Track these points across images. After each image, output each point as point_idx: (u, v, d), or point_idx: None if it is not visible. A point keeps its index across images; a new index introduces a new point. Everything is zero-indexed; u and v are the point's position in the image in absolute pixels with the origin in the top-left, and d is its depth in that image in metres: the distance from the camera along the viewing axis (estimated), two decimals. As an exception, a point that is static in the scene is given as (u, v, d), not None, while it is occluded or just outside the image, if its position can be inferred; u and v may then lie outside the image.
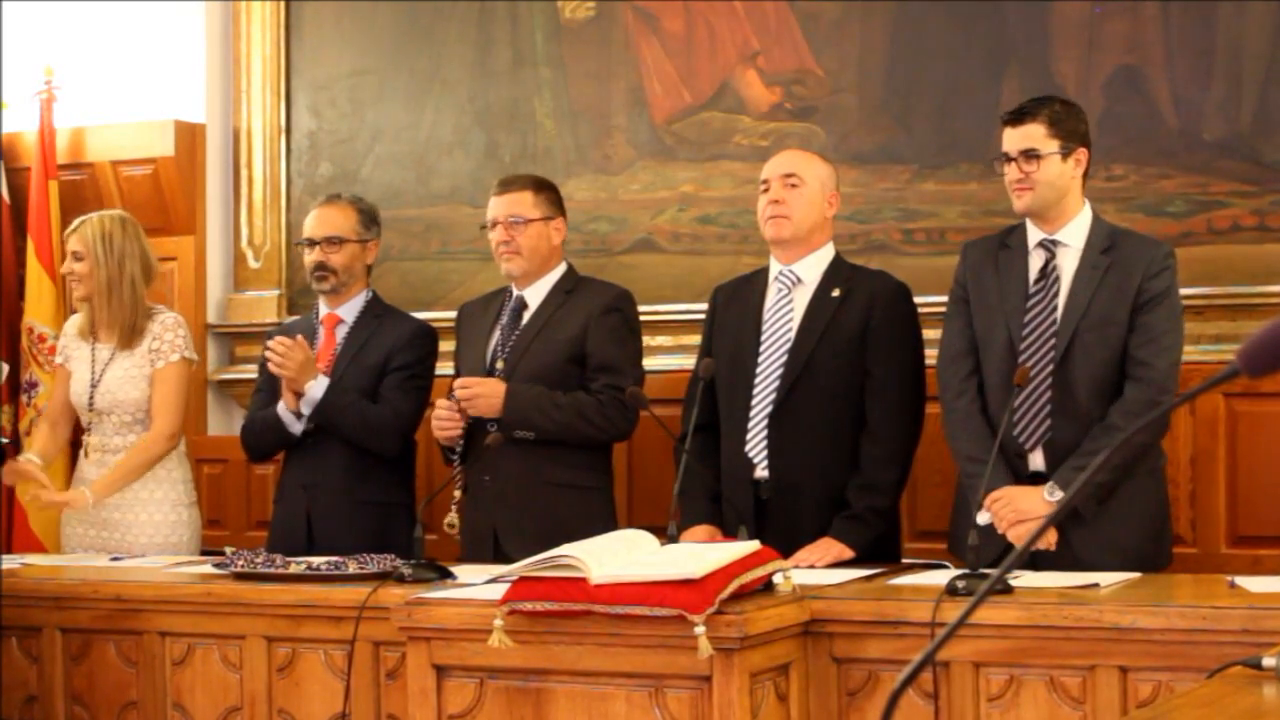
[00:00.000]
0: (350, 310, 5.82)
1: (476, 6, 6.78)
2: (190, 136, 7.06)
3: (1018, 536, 4.74)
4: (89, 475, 5.86)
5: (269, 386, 5.81)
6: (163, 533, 5.85)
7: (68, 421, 6.03)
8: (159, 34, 7.10)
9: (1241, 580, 4.41)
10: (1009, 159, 4.90)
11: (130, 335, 5.85)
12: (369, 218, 5.86)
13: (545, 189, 5.56)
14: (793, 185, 5.18)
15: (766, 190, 5.22)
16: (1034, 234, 4.94)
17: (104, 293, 5.84)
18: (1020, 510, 4.75)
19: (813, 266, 5.23)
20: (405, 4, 6.91)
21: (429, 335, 5.83)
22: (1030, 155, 4.87)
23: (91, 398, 5.86)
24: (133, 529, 5.83)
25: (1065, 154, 4.87)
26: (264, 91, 7.09)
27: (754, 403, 5.18)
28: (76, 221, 5.93)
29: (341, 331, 5.80)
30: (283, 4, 7.07)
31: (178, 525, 5.88)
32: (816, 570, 4.84)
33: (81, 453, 5.93)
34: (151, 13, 7.10)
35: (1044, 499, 4.75)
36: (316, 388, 5.61)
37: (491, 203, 5.53)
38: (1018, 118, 4.92)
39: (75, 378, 5.92)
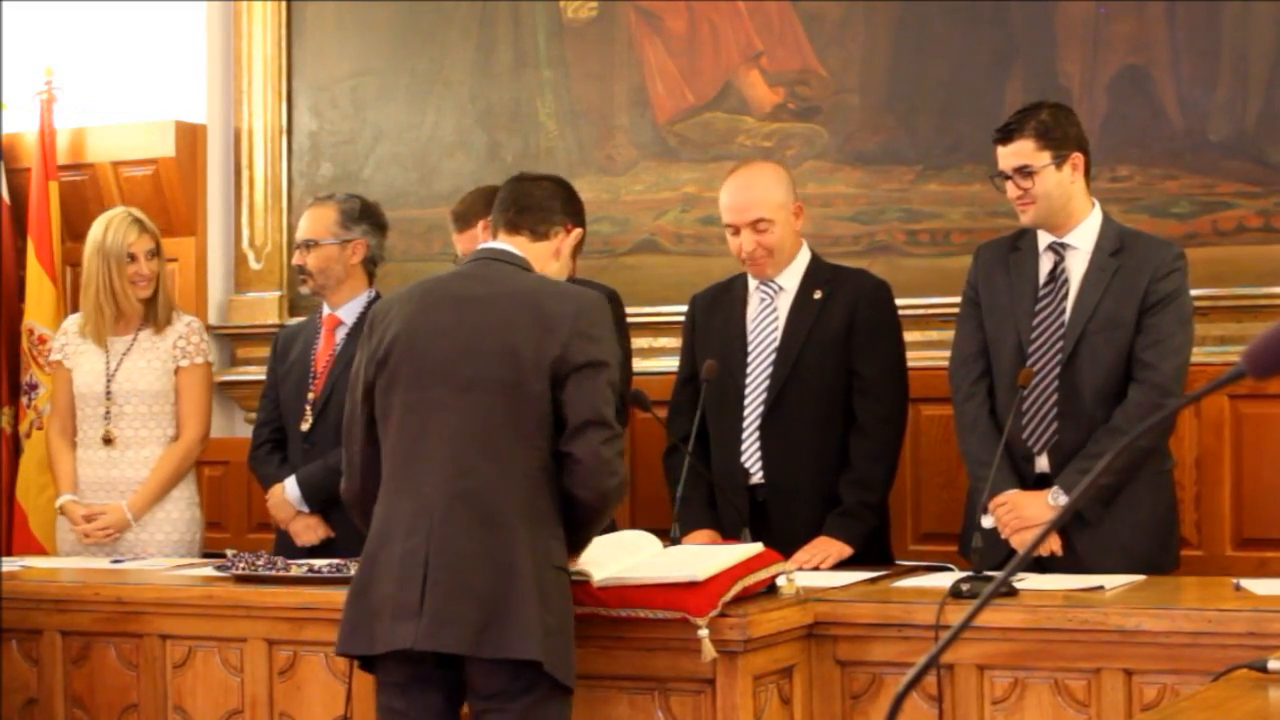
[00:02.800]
0: (350, 311, 5.79)
1: (478, 7, 6.76)
2: (191, 137, 7.04)
3: (1021, 542, 4.72)
4: (113, 472, 5.85)
5: (271, 406, 5.88)
6: (179, 530, 5.86)
7: (74, 421, 6.00)
8: (160, 34, 7.09)
9: (1247, 583, 4.40)
10: (1006, 177, 4.87)
11: (164, 324, 5.87)
12: (351, 217, 5.77)
13: None
14: (763, 231, 5.13)
15: (735, 233, 5.16)
16: (1044, 237, 4.92)
17: (156, 286, 5.88)
18: (1024, 516, 4.73)
19: (792, 273, 5.24)
20: (407, 4, 6.89)
21: None
22: (1024, 172, 4.83)
23: (109, 386, 5.85)
24: (148, 526, 5.82)
25: (1059, 163, 4.82)
26: (265, 92, 7.07)
27: (746, 411, 5.17)
28: (132, 219, 5.90)
29: (341, 333, 5.78)
30: (284, 4, 7.04)
31: (191, 524, 5.90)
32: (820, 573, 4.83)
33: (101, 440, 5.86)
34: (152, 13, 7.08)
35: (1048, 504, 4.73)
36: (291, 488, 5.65)
37: (454, 239, 5.50)
38: (1005, 135, 4.87)
39: (85, 369, 5.89)
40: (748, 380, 5.19)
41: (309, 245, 5.74)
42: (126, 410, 5.84)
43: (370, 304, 5.80)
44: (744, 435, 5.16)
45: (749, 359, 5.21)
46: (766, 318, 5.23)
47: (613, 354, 4.14)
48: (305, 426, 5.73)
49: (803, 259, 5.24)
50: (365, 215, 5.81)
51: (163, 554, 5.74)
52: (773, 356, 5.18)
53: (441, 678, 4.06)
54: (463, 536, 3.99)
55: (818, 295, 5.18)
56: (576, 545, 4.16)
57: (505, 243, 4.31)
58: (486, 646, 3.94)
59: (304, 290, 5.85)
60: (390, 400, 4.16)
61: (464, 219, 5.46)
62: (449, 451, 4.05)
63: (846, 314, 5.15)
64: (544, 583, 3.97)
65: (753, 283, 5.26)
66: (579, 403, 4.03)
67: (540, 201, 4.36)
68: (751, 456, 5.15)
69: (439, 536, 4.00)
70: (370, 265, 5.82)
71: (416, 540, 4.01)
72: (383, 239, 5.87)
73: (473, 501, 4.01)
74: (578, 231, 4.43)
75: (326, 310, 5.82)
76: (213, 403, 6.04)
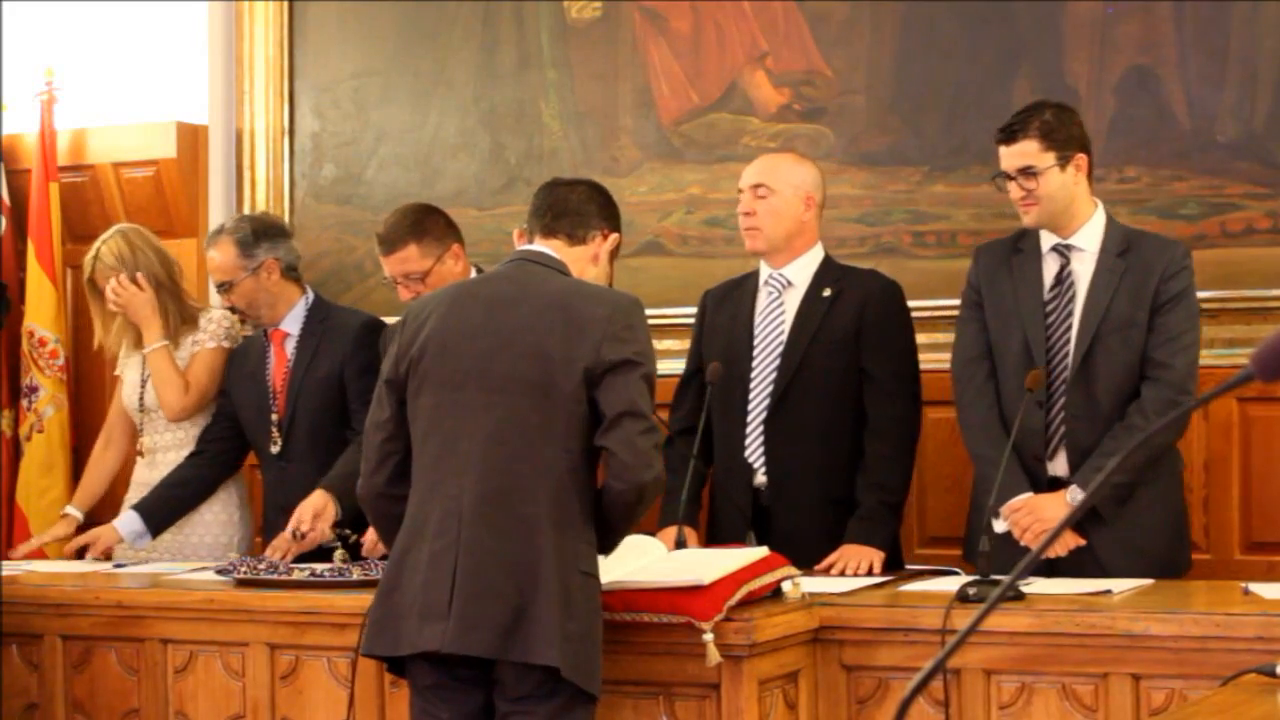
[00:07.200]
0: (293, 322, 5.73)
1: (481, 7, 6.74)
2: (192, 138, 7.02)
3: (1037, 541, 4.69)
4: (145, 478, 5.85)
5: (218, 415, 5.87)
6: (213, 532, 5.84)
7: (124, 433, 5.98)
8: (161, 35, 7.06)
9: (1255, 587, 4.39)
10: (1009, 177, 4.84)
11: (179, 333, 5.84)
12: (249, 244, 5.66)
13: (425, 232, 5.36)
14: (761, 196, 5.15)
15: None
16: (1047, 239, 4.89)
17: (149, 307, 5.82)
18: (1043, 519, 4.70)
19: (802, 269, 5.22)
20: (409, 5, 6.87)
21: (374, 330, 5.64)
22: (1028, 173, 4.80)
23: (141, 397, 5.87)
24: (184, 527, 5.80)
25: (1063, 164, 4.80)
26: (267, 93, 7.05)
27: (750, 407, 5.16)
28: (89, 262, 5.87)
29: (290, 345, 5.72)
30: (286, 4, 7.02)
31: (228, 525, 5.86)
32: (826, 577, 4.80)
33: (137, 455, 5.91)
34: (153, 13, 7.06)
35: (1066, 503, 4.70)
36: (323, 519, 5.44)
37: (382, 263, 5.43)
38: (1009, 136, 4.84)
39: (126, 382, 5.94)
40: (753, 376, 5.18)
41: (226, 287, 5.69)
42: (158, 415, 5.85)
43: (311, 308, 5.74)
44: (748, 432, 5.15)
45: (754, 354, 5.19)
46: (773, 314, 5.21)
47: (647, 354, 4.13)
48: (275, 449, 5.69)
49: (815, 256, 5.23)
50: (261, 234, 5.70)
51: (197, 556, 5.71)
52: (779, 352, 5.16)
53: (475, 679, 4.06)
54: (491, 538, 4.00)
55: (826, 294, 5.17)
56: (607, 546, 4.17)
57: (542, 245, 4.32)
58: (511, 650, 3.95)
59: (248, 329, 5.86)
60: (421, 403, 4.16)
61: (388, 244, 5.37)
62: (480, 452, 4.05)
63: (855, 313, 5.14)
64: (569, 588, 3.97)
65: (762, 277, 5.25)
66: (613, 398, 4.03)
67: (576, 206, 4.36)
68: (755, 453, 5.13)
69: (468, 538, 4.00)
70: (291, 272, 5.74)
71: (445, 541, 4.02)
72: (289, 242, 5.77)
73: (502, 503, 4.02)
74: (615, 236, 4.42)
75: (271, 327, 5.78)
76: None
